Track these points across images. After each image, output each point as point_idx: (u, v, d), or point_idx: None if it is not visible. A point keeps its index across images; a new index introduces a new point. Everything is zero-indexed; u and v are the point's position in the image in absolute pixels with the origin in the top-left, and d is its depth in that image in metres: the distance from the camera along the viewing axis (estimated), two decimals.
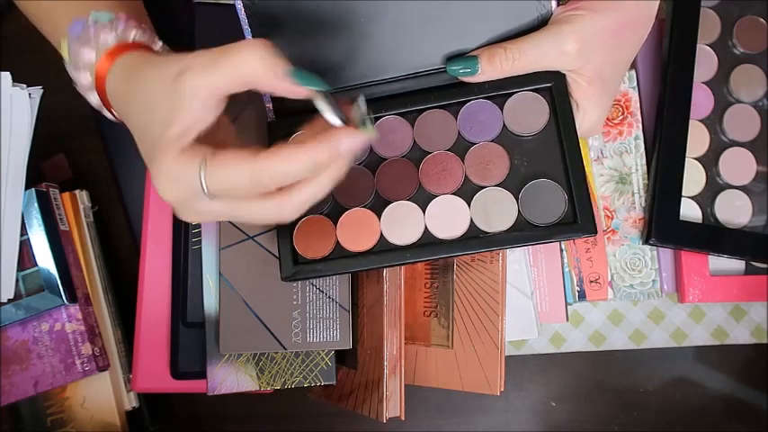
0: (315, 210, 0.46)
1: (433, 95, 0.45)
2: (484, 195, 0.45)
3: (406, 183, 0.45)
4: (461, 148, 0.45)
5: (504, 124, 0.45)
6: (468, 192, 0.45)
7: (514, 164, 0.45)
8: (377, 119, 0.46)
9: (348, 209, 0.46)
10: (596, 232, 0.43)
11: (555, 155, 0.44)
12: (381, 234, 0.45)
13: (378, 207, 0.45)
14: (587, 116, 0.45)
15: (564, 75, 0.44)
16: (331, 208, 0.46)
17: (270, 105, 0.46)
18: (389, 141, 0.46)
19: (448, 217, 0.45)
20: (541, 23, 0.43)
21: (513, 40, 0.43)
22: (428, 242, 0.45)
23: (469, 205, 0.45)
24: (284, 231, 0.45)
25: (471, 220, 0.44)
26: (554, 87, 0.44)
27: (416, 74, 0.45)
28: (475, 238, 0.44)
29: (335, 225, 0.45)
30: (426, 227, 0.45)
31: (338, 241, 0.45)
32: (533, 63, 0.43)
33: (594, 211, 0.55)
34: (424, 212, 0.45)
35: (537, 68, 0.43)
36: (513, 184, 0.44)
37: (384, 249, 0.45)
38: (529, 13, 0.43)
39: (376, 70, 0.45)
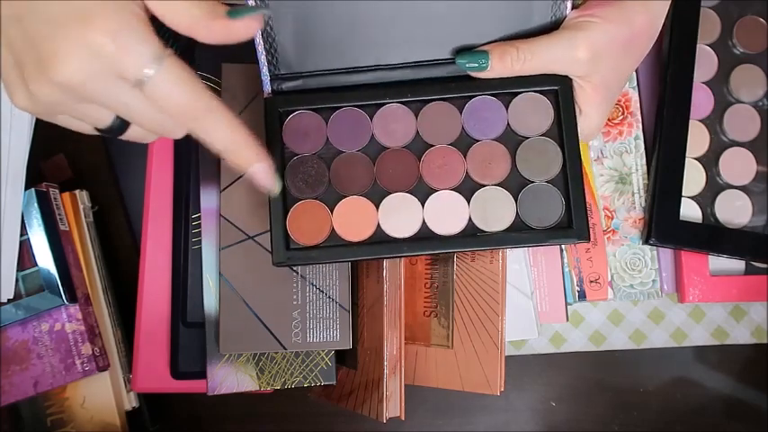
0: (311, 194, 0.45)
1: (439, 87, 0.45)
2: (483, 194, 0.44)
3: (407, 174, 0.45)
4: (464, 143, 0.45)
5: (507, 123, 0.45)
6: (467, 189, 0.45)
7: (515, 164, 0.44)
8: (381, 105, 0.45)
9: (345, 196, 0.45)
10: (589, 239, 0.43)
11: (556, 159, 0.44)
12: (379, 224, 0.44)
13: (376, 197, 0.45)
14: (588, 121, 0.45)
15: (571, 79, 0.43)
16: (327, 194, 0.45)
17: (267, 79, 0.45)
18: (392, 130, 0.45)
19: (447, 213, 0.44)
20: (554, 25, 0.43)
21: (525, 39, 0.43)
22: (425, 236, 0.44)
23: (469, 203, 0.44)
24: (277, 215, 0.44)
25: (470, 217, 0.44)
26: (560, 91, 0.44)
27: (424, 63, 0.45)
28: (472, 236, 0.44)
29: (332, 212, 0.45)
30: (424, 221, 0.44)
31: (334, 229, 0.44)
32: (544, 66, 0.43)
33: (594, 213, 0.55)
34: (423, 206, 0.44)
35: (547, 71, 0.43)
36: (512, 184, 0.44)
37: (380, 240, 0.44)
38: (543, 14, 0.43)
39: (383, 55, 0.44)
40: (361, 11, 0.42)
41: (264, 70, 0.44)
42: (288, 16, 0.42)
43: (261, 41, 0.43)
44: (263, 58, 0.44)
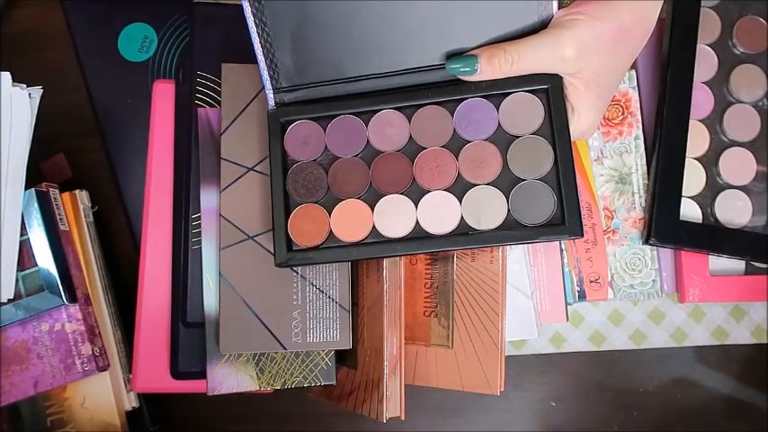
0: (310, 199, 0.46)
1: (431, 92, 0.46)
2: (475, 193, 0.45)
3: (401, 177, 0.46)
4: (456, 145, 0.46)
5: (499, 124, 0.45)
6: (460, 189, 0.45)
7: (507, 164, 0.45)
8: (376, 111, 0.46)
9: (342, 199, 0.46)
10: (582, 235, 0.43)
11: (547, 156, 0.44)
12: (374, 226, 0.46)
13: (371, 199, 0.46)
14: (582, 119, 0.45)
15: (561, 77, 0.44)
16: (326, 198, 0.46)
17: (270, 93, 0.46)
18: (386, 135, 0.46)
19: (439, 212, 0.45)
20: (542, 25, 0.43)
21: (512, 41, 0.43)
22: (419, 236, 0.45)
23: (461, 202, 0.45)
24: (279, 218, 0.46)
25: (462, 216, 0.45)
26: (550, 90, 0.44)
27: (416, 69, 0.46)
28: (464, 235, 0.44)
29: (329, 215, 0.46)
30: (418, 221, 0.45)
31: (332, 231, 0.46)
32: (532, 66, 0.43)
33: (594, 213, 0.55)
34: (416, 207, 0.45)
35: (535, 71, 0.43)
36: (504, 183, 0.45)
37: (375, 241, 0.45)
38: (530, 15, 0.43)
39: (377, 64, 0.45)
40: (354, 24, 0.44)
41: (268, 85, 0.46)
42: (286, 33, 0.44)
43: (263, 58, 0.45)
44: (265, 73, 0.46)
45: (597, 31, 0.41)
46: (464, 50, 0.44)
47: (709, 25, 0.53)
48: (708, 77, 0.54)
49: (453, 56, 0.45)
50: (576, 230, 0.43)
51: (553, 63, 0.43)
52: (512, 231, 0.44)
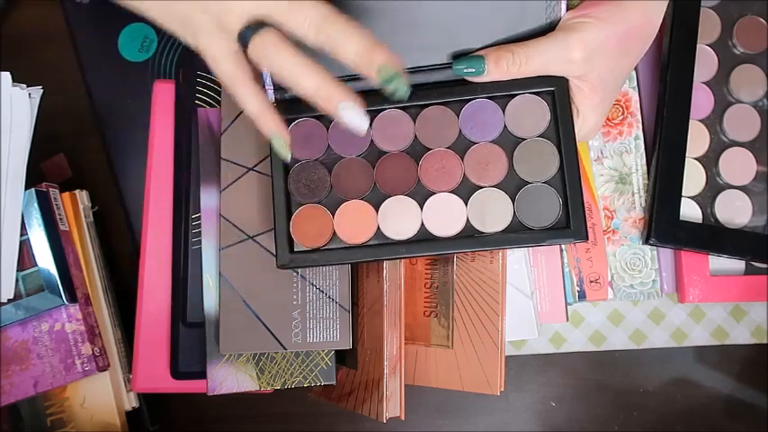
0: (313, 199, 0.46)
1: (437, 92, 0.45)
2: (481, 195, 0.45)
3: (405, 178, 0.46)
4: (461, 146, 0.45)
5: (505, 125, 0.45)
6: (465, 191, 0.45)
7: (513, 166, 0.45)
8: (379, 111, 0.46)
9: (346, 200, 0.46)
10: (587, 238, 0.43)
11: (553, 160, 0.44)
12: (378, 227, 0.45)
13: (376, 200, 0.46)
14: (586, 122, 0.45)
15: (567, 80, 0.44)
16: (329, 198, 0.46)
17: (271, 89, 0.46)
18: (391, 135, 0.46)
19: (444, 215, 0.45)
20: (550, 27, 0.43)
21: (520, 43, 0.43)
22: (423, 238, 0.45)
23: (466, 204, 0.45)
24: (281, 219, 0.45)
25: (467, 219, 0.45)
26: (556, 92, 0.44)
27: (421, 68, 0.45)
28: (470, 238, 0.44)
29: (333, 216, 0.46)
30: (423, 223, 0.45)
31: (335, 232, 0.46)
32: (539, 68, 0.43)
33: (594, 213, 0.55)
34: (421, 209, 0.45)
35: (542, 73, 0.43)
36: (510, 185, 0.45)
37: (380, 243, 0.45)
38: (538, 16, 0.43)
39: None
40: (359, 21, 0.43)
41: (268, 80, 0.45)
42: None
43: None
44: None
45: (604, 34, 0.41)
46: (471, 51, 0.44)
47: (710, 25, 0.53)
48: (708, 77, 0.54)
49: (460, 56, 0.44)
50: (581, 234, 0.43)
51: (561, 66, 0.42)
52: (517, 234, 0.44)
